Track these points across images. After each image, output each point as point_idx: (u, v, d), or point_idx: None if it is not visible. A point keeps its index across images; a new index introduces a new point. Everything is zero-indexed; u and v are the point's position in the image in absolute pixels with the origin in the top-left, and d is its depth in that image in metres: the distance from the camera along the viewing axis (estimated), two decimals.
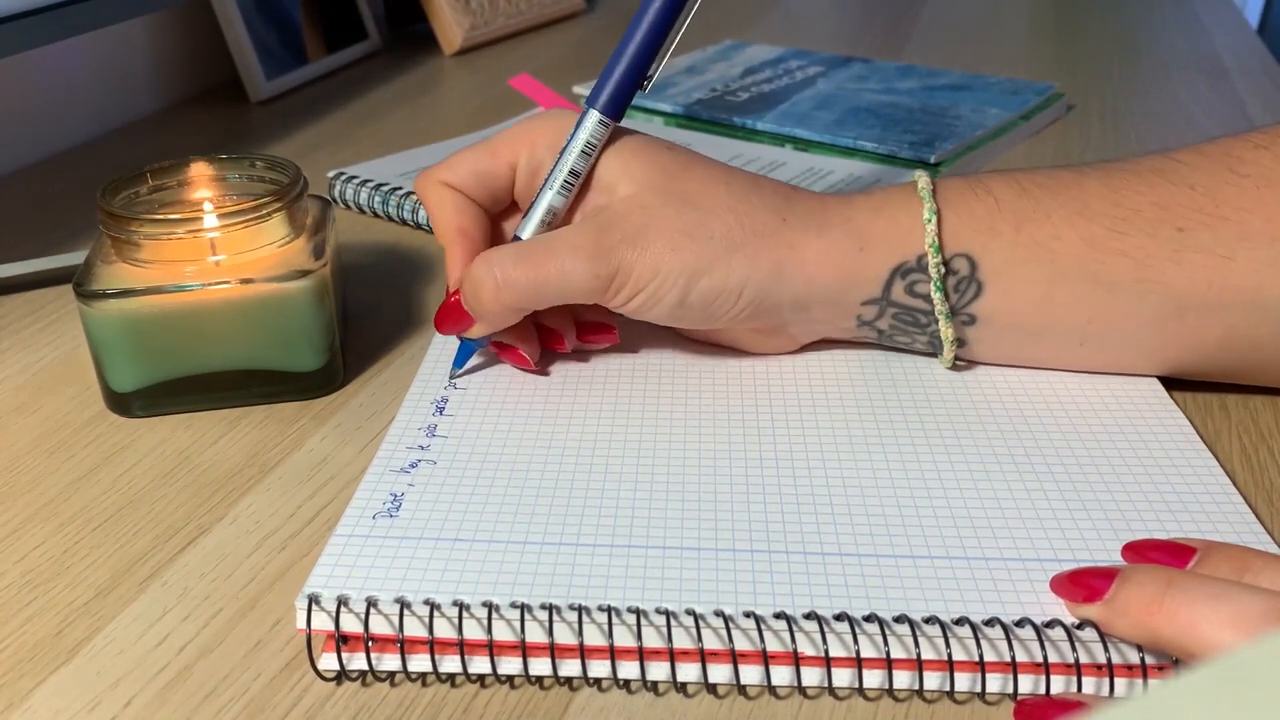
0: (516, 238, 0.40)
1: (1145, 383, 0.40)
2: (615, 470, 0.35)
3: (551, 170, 0.39)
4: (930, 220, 0.38)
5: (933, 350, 0.41)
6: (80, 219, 0.58)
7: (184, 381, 0.40)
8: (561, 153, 0.39)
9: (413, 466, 0.36)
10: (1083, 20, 1.00)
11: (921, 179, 0.39)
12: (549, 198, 0.39)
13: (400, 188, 0.57)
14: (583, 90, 0.75)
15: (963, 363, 0.41)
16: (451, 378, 0.41)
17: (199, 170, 0.43)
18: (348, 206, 0.59)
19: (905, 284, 0.38)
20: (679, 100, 0.71)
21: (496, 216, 0.42)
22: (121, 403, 0.40)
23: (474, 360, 0.42)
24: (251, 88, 0.78)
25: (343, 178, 0.59)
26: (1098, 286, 0.37)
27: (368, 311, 0.48)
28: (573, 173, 0.39)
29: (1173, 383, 0.41)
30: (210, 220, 0.39)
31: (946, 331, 0.39)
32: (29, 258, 0.51)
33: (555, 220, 0.40)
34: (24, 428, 0.40)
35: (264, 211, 0.40)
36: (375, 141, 0.70)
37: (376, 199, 0.57)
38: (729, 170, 0.40)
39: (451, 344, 0.42)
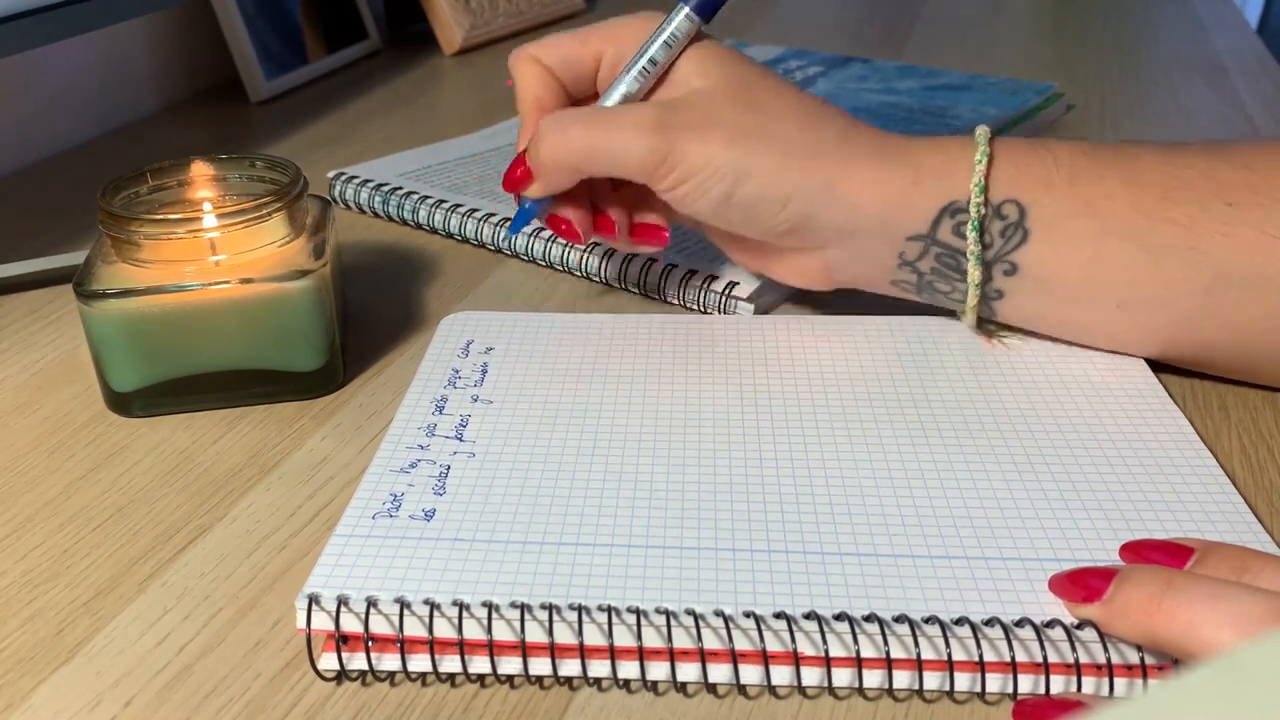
0: None
1: (1145, 382, 0.40)
2: (615, 470, 0.35)
3: (634, 57, 0.41)
4: (981, 161, 0.38)
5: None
6: (80, 219, 0.58)
7: (184, 381, 0.40)
8: (646, 41, 0.41)
9: (412, 466, 0.36)
10: (1083, 20, 1.00)
11: (981, 129, 0.39)
12: (626, 81, 0.41)
13: (400, 188, 0.57)
14: None
15: (989, 325, 0.42)
16: (508, 237, 0.49)
17: (199, 170, 0.43)
18: (348, 206, 0.59)
19: (953, 224, 0.39)
20: None
21: (577, 102, 0.44)
22: (122, 403, 0.40)
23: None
24: (251, 88, 0.78)
25: (343, 178, 0.59)
26: (1145, 250, 0.37)
27: (368, 311, 0.48)
28: (651, 60, 0.41)
29: (1172, 381, 0.41)
30: (210, 220, 0.39)
31: (974, 274, 0.39)
32: (29, 258, 0.51)
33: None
34: (24, 428, 0.40)
35: (264, 211, 0.40)
36: (375, 141, 0.70)
37: (376, 199, 0.57)
38: (803, 91, 0.41)
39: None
